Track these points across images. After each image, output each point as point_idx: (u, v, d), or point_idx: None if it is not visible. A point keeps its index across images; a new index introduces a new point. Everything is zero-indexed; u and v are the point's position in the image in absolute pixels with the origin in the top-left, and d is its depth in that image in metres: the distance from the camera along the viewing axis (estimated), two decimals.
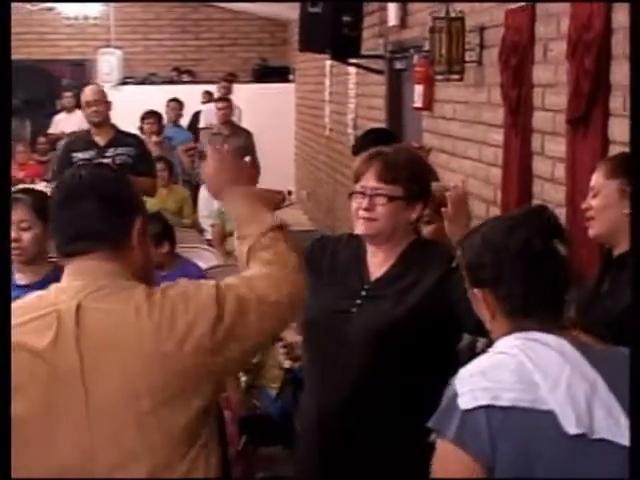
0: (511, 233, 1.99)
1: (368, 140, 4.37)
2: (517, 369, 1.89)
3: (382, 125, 7.49)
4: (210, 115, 11.29)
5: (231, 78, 12.28)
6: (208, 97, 11.60)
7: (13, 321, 2.13)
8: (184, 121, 11.36)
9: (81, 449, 2.05)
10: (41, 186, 6.22)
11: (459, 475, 1.88)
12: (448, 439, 1.89)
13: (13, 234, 3.51)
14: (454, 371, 2.90)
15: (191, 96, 11.89)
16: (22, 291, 3.46)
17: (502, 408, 1.86)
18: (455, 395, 1.91)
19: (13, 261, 3.57)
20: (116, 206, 2.17)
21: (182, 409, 2.05)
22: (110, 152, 6.29)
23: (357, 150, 4.49)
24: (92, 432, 2.04)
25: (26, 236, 3.54)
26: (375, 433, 2.84)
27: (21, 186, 5.93)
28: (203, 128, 11.09)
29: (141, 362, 2.04)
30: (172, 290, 2.11)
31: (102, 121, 6.37)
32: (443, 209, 2.61)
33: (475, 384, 1.89)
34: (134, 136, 6.75)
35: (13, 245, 3.50)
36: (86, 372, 2.04)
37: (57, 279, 3.52)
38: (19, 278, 3.57)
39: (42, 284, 3.45)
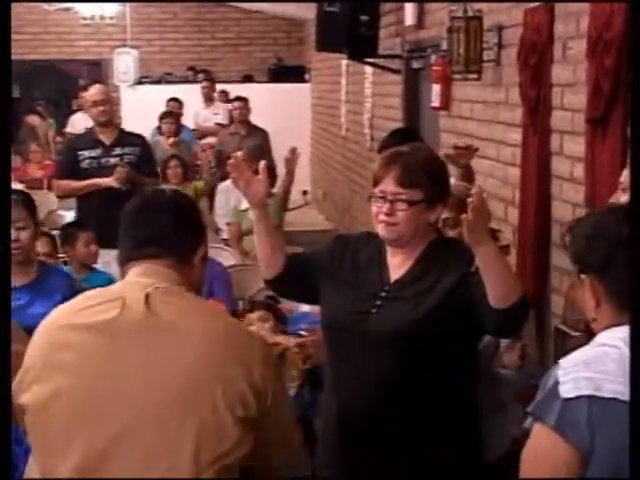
0: (624, 221, 1.99)
1: (394, 140, 4.35)
2: (621, 362, 1.90)
3: (399, 125, 7.48)
4: (198, 116, 11.30)
5: (213, 78, 12.34)
6: (225, 97, 11.63)
7: (75, 308, 2.21)
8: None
9: (130, 420, 2.08)
10: (20, 187, 6.22)
11: (555, 462, 1.90)
12: (548, 426, 1.90)
13: (12, 234, 3.51)
14: (474, 371, 2.92)
15: None
16: (15, 293, 3.44)
17: (603, 399, 1.87)
18: (557, 383, 1.91)
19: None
20: (189, 225, 2.31)
21: (227, 403, 2.10)
22: (117, 151, 6.32)
23: (383, 150, 4.47)
24: (144, 404, 2.08)
25: (23, 235, 3.56)
26: (395, 433, 2.84)
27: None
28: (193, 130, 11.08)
29: (199, 351, 2.10)
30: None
31: (108, 120, 6.41)
32: (463, 216, 2.59)
33: (578, 373, 1.90)
34: (138, 136, 6.78)
35: (12, 245, 3.50)
36: (150, 348, 2.10)
37: (49, 279, 3.58)
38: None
39: (31, 286, 3.48)
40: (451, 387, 2.86)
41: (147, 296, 2.15)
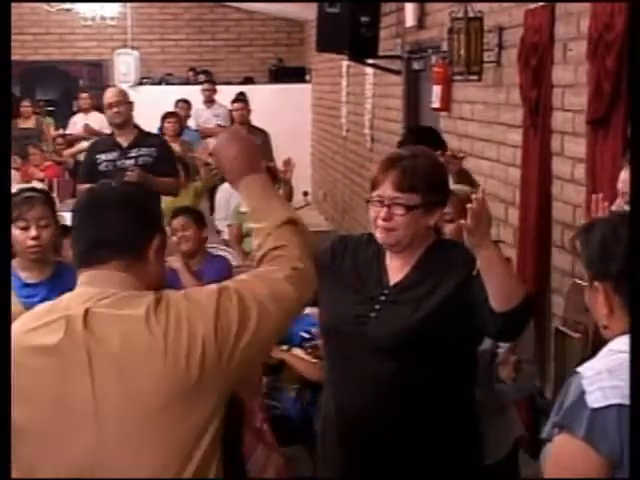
0: None
1: (412, 139, 4.31)
2: None
3: (399, 126, 7.49)
4: (198, 117, 11.29)
5: (214, 79, 12.32)
6: (243, 97, 11.60)
7: (25, 327, 2.14)
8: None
9: (90, 448, 2.06)
10: (40, 186, 6.24)
11: (585, 473, 1.86)
12: (578, 437, 1.86)
13: (33, 232, 3.49)
14: (474, 373, 2.91)
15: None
16: (31, 290, 3.45)
17: None
18: (582, 393, 1.87)
19: (26, 259, 3.54)
20: (138, 219, 2.18)
21: (188, 411, 2.06)
22: (133, 152, 6.30)
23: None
24: (100, 432, 2.05)
25: (45, 234, 3.52)
26: (395, 436, 2.83)
27: (25, 185, 5.95)
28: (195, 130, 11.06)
29: (148, 365, 2.05)
30: (176, 294, 2.14)
31: (124, 122, 6.38)
32: (462, 222, 2.58)
33: (604, 382, 1.86)
34: (157, 136, 6.76)
35: (33, 243, 3.48)
36: (94, 373, 2.06)
37: (63, 277, 3.53)
38: (26, 277, 3.53)
39: (49, 282, 3.47)
40: (450, 390, 2.85)
41: (86, 312, 2.08)
